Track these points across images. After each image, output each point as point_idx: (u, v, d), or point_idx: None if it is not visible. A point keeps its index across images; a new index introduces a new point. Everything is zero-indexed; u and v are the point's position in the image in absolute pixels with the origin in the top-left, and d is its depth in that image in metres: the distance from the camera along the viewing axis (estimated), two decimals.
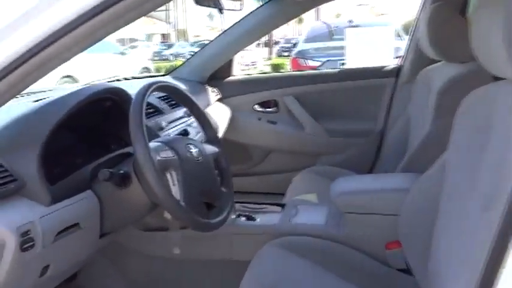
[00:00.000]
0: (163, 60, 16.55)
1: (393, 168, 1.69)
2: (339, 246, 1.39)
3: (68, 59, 0.80)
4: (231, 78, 2.47)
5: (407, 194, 1.23)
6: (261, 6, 2.09)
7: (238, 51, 2.36)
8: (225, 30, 2.29)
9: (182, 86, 2.06)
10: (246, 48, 2.53)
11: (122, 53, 9.19)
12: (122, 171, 1.03)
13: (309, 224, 1.48)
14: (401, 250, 1.25)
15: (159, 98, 1.68)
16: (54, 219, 0.99)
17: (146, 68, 9.21)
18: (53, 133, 1.03)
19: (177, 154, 1.08)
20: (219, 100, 2.38)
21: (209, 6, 1.62)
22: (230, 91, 2.42)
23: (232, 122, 2.39)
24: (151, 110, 1.54)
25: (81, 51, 0.80)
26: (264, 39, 21.35)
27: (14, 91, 0.81)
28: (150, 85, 1.09)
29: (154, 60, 15.48)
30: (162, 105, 1.64)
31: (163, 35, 32.41)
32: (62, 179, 1.05)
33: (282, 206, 1.65)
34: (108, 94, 1.19)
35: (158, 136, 1.43)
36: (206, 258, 1.54)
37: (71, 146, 1.14)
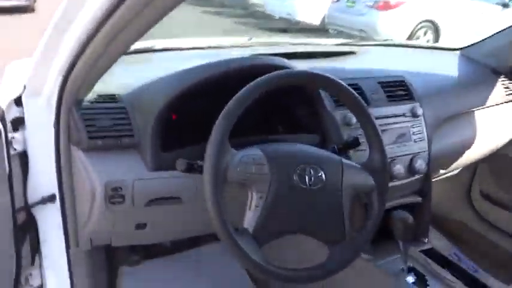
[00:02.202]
0: None
1: None
2: None
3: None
4: None
5: None
6: None
7: None
8: None
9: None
10: None
11: (504, 5, 7.74)
12: (202, 164, 0.88)
13: None
14: None
15: (382, 82, 1.32)
16: (150, 186, 0.99)
17: None
18: (185, 98, 0.99)
19: (272, 173, 0.83)
20: None
21: None
22: None
23: None
24: None
25: None
26: None
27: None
28: (270, 79, 0.85)
29: None
30: (376, 94, 1.27)
31: None
32: (177, 148, 1.02)
33: None
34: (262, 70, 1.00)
35: (338, 135, 1.15)
36: None
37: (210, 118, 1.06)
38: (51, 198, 1.16)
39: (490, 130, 1.58)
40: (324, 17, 8.23)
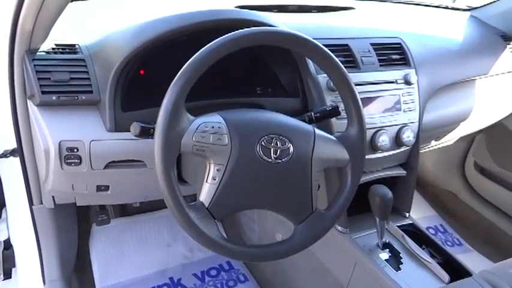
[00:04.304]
0: None
1: None
2: None
3: None
4: None
5: None
6: None
7: None
8: None
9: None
10: None
11: None
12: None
13: None
14: None
15: (375, 45, 1.20)
16: (108, 148, 0.92)
17: None
18: (150, 51, 0.90)
19: (233, 144, 0.76)
20: None
21: None
22: None
23: None
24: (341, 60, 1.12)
25: None
26: None
27: None
28: (234, 38, 0.74)
29: None
30: (368, 57, 1.16)
31: None
32: (140, 108, 0.94)
33: (461, 275, 1.03)
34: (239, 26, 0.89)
35: (321, 101, 1.07)
36: (326, 265, 1.20)
37: None
38: (13, 152, 1.10)
39: (491, 102, 1.47)
40: None
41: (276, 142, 0.79)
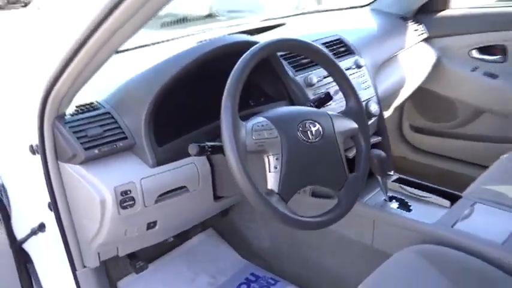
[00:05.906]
0: None
1: None
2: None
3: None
4: (446, 12, 1.94)
5: None
6: None
7: None
8: None
9: (366, 24, 1.72)
10: None
11: None
12: (212, 145, 0.92)
13: (476, 237, 1.09)
14: None
15: (324, 43, 1.44)
16: (157, 182, 1.00)
17: None
18: (168, 91, 1.01)
19: (281, 135, 0.91)
20: (425, 40, 1.93)
21: None
22: (441, 29, 1.92)
23: (438, 69, 1.93)
24: (305, 61, 1.33)
25: None
26: None
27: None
28: (261, 48, 0.91)
29: None
30: None
31: None
32: (172, 140, 1.04)
33: (455, 198, 1.27)
34: (238, 48, 1.05)
35: (305, 97, 1.26)
36: (345, 234, 1.37)
37: (196, 104, 1.09)
38: (40, 228, 1.10)
39: (413, 69, 1.81)
40: (210, 6, 8.28)
41: (309, 126, 0.95)
